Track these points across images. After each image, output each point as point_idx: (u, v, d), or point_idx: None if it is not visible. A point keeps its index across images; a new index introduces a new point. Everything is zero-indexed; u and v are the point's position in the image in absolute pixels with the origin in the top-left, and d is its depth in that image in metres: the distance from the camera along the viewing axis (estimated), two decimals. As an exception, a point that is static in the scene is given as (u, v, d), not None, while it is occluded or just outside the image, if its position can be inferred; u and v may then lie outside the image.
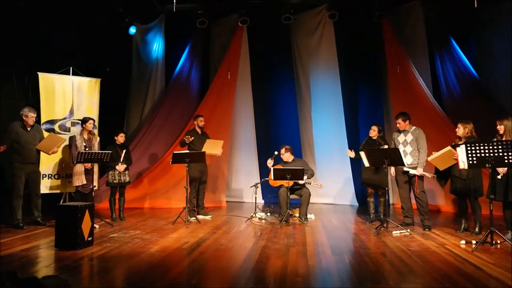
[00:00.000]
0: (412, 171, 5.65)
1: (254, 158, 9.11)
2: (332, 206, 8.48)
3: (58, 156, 6.54)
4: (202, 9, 8.69)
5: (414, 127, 5.88)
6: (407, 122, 5.87)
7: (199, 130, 6.86)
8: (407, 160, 5.67)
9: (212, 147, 6.74)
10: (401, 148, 5.74)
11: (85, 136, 6.21)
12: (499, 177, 4.77)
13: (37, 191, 5.96)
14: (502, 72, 7.82)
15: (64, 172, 6.76)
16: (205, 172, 6.88)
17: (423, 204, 5.66)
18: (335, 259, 4.08)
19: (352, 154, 6.39)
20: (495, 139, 4.89)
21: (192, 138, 6.70)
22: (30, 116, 5.79)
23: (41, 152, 6.09)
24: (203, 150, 6.59)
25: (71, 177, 6.49)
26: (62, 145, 6.23)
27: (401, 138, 5.91)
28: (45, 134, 6.21)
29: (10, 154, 5.72)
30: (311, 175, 6.52)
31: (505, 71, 7.69)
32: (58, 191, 6.81)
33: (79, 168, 6.02)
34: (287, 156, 6.68)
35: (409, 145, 5.81)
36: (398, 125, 5.92)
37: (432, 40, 8.64)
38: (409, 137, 5.83)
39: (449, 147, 5.20)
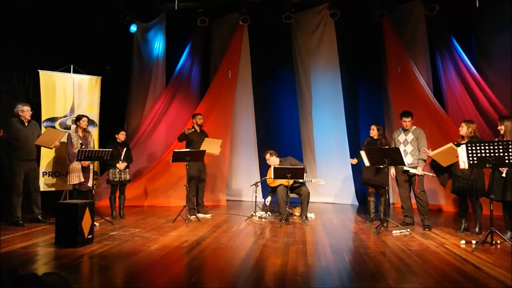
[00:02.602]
0: (412, 171, 5.64)
1: (254, 157, 9.10)
2: (332, 205, 8.47)
3: (56, 153, 6.54)
4: (203, 7, 8.68)
5: (414, 127, 5.88)
6: (411, 121, 5.88)
7: (197, 128, 6.85)
8: (407, 159, 5.67)
9: (210, 146, 6.64)
10: (401, 148, 5.73)
11: (80, 134, 6.19)
12: (503, 175, 4.77)
13: (36, 187, 5.98)
14: (502, 71, 7.81)
15: (63, 170, 6.74)
16: (203, 171, 6.87)
17: (423, 203, 5.66)
18: (334, 258, 4.09)
19: (354, 161, 6.34)
20: (496, 139, 4.88)
21: (193, 129, 6.70)
22: (25, 110, 5.81)
23: (41, 150, 6.07)
24: (201, 149, 6.57)
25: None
26: (64, 140, 6.18)
27: (401, 137, 5.91)
28: (43, 130, 6.22)
29: (9, 151, 5.74)
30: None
31: (506, 71, 7.67)
32: (54, 189, 6.78)
33: (76, 165, 5.99)
34: (274, 161, 6.64)
35: (409, 145, 5.81)
36: (404, 123, 5.89)
37: (433, 40, 8.62)
38: (410, 136, 5.83)
39: (450, 144, 5.17)
